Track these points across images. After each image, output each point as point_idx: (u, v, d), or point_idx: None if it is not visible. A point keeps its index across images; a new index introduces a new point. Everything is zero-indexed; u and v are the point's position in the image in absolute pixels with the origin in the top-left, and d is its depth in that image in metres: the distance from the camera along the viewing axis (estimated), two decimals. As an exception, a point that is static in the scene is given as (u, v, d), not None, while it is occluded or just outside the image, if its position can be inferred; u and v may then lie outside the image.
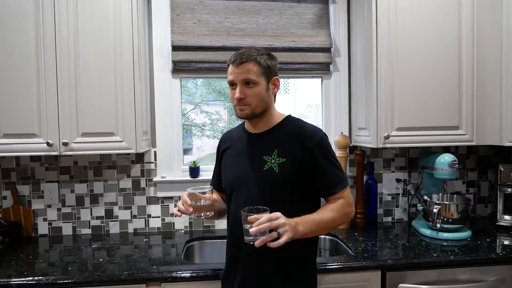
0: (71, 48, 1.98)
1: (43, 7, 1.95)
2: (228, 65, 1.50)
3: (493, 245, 2.01)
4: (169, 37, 2.35)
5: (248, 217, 1.27)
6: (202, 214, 1.45)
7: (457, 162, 2.16)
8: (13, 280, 1.67)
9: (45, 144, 1.97)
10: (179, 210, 1.45)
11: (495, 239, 2.11)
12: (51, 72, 1.97)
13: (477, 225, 2.39)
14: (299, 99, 2.82)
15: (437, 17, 2.14)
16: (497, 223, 2.33)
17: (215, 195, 1.51)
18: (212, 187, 1.54)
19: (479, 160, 2.62)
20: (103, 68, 2.00)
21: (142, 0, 2.20)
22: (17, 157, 2.30)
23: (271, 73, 1.50)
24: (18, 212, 2.28)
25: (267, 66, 1.48)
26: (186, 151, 2.56)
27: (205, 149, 2.71)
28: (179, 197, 1.51)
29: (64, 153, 2.00)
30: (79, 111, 2.00)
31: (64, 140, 1.98)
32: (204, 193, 1.45)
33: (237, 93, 1.44)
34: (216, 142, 2.67)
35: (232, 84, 1.48)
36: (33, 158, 2.32)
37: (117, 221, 2.38)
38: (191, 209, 1.42)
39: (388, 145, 2.15)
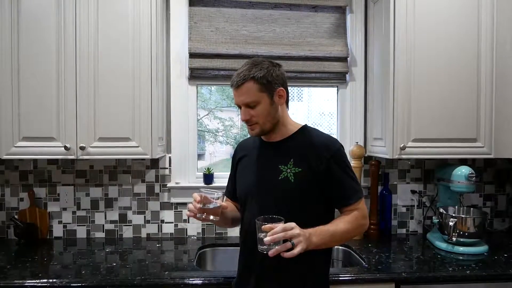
0: (90, 54, 2.01)
1: (65, 14, 1.99)
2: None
3: (510, 260, 1.96)
4: (187, 44, 2.38)
5: (263, 226, 1.26)
6: (210, 217, 1.44)
7: (474, 175, 2.13)
8: (27, 281, 1.69)
9: (63, 148, 2.00)
10: (189, 210, 1.44)
11: (512, 255, 2.06)
12: (70, 77, 2.01)
13: (494, 239, 2.34)
14: (312, 107, 2.82)
15: (456, 27, 2.12)
16: (514, 238, 2.28)
17: (225, 203, 1.50)
18: (223, 192, 1.54)
19: (496, 173, 2.57)
20: (121, 74, 2.03)
21: (161, 7, 2.22)
22: (35, 160, 2.35)
23: (273, 86, 1.45)
24: (34, 214, 2.32)
25: (267, 81, 1.43)
26: (199, 157, 2.57)
27: (218, 155, 2.72)
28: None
29: (81, 157, 2.03)
30: (96, 116, 2.03)
31: (81, 145, 2.01)
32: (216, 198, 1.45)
33: (241, 115, 1.48)
34: (228, 148, 2.71)
35: (239, 106, 1.49)
36: (50, 161, 2.35)
37: (131, 225, 2.40)
38: (198, 205, 1.41)
39: (404, 156, 2.13)
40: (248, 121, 1.47)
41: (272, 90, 1.45)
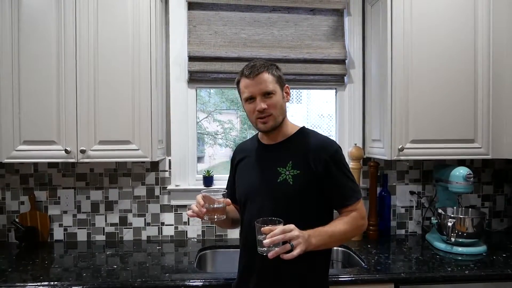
0: (90, 58, 2.02)
1: (65, 17, 2.01)
2: (239, 81, 1.51)
3: (509, 260, 1.97)
4: (186, 48, 2.39)
5: (262, 229, 1.27)
6: (215, 217, 1.44)
7: (472, 176, 2.14)
8: (28, 284, 1.70)
9: (63, 151, 2.01)
10: (193, 211, 1.43)
11: (511, 254, 2.07)
12: (70, 81, 2.02)
13: (493, 240, 2.35)
14: (311, 109, 2.84)
15: (453, 29, 2.14)
16: (513, 238, 2.29)
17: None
18: (225, 190, 1.55)
19: (494, 174, 2.58)
20: (121, 78, 2.04)
21: (160, 11, 2.24)
22: (35, 163, 2.36)
23: (283, 82, 1.52)
24: (34, 217, 2.33)
25: (278, 75, 1.50)
26: (198, 159, 2.58)
27: (217, 157, 2.73)
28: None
29: (81, 160, 2.04)
30: (97, 119, 2.04)
31: (81, 148, 2.02)
32: (217, 197, 1.46)
33: (258, 105, 1.44)
34: (228, 151, 2.72)
35: (251, 98, 1.47)
36: (50, 165, 2.36)
37: (131, 228, 2.41)
38: (204, 209, 1.41)
39: (402, 157, 2.14)
40: (263, 111, 1.45)
41: (282, 85, 1.51)
